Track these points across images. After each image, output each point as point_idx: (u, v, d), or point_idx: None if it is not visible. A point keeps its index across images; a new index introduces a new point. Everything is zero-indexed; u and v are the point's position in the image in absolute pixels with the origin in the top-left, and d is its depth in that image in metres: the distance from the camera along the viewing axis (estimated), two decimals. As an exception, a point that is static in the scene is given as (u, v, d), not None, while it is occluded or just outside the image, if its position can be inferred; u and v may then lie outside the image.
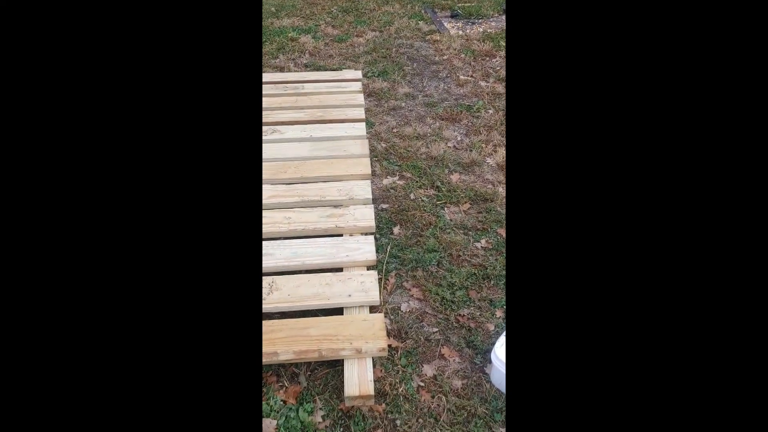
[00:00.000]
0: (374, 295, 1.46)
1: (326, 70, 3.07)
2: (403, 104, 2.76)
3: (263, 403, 1.30)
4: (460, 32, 3.71)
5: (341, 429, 1.27)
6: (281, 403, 1.31)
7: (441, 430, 1.28)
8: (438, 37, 3.58)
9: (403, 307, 1.61)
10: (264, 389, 1.34)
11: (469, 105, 2.74)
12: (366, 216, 1.75)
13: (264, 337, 1.33)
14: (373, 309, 1.52)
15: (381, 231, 1.88)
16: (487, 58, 3.28)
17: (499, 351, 1.25)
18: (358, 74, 2.83)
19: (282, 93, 2.60)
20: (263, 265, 1.56)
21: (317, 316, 1.44)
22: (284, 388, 1.35)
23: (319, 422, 1.29)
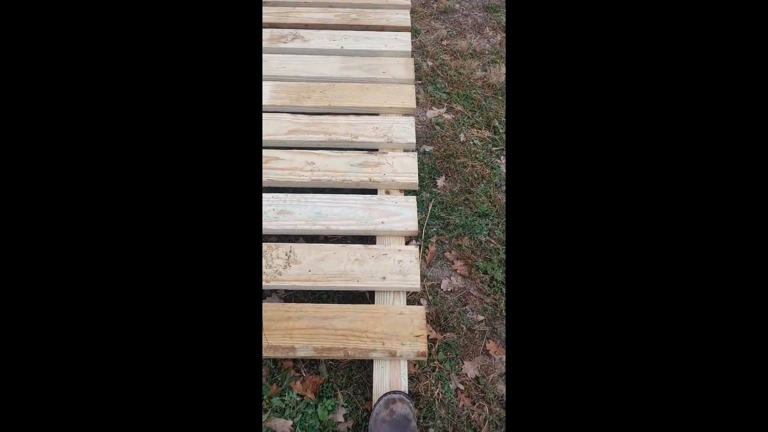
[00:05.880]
0: (414, 280, 1.19)
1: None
2: (457, 5, 2.21)
3: (278, 399, 1.12)
4: None
5: (365, 434, 1.11)
6: (298, 398, 1.13)
7: (480, 444, 1.11)
8: None
9: (444, 284, 1.36)
10: (278, 378, 1.15)
11: (539, 12, 2.18)
12: (408, 168, 1.41)
13: (280, 324, 1.11)
14: (410, 294, 1.27)
15: (422, 182, 1.55)
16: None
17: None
18: (404, -40, 2.24)
19: (307, -19, 2.06)
20: (280, 226, 1.28)
21: (340, 295, 1.20)
22: (302, 379, 1.17)
23: (340, 422, 1.12)
